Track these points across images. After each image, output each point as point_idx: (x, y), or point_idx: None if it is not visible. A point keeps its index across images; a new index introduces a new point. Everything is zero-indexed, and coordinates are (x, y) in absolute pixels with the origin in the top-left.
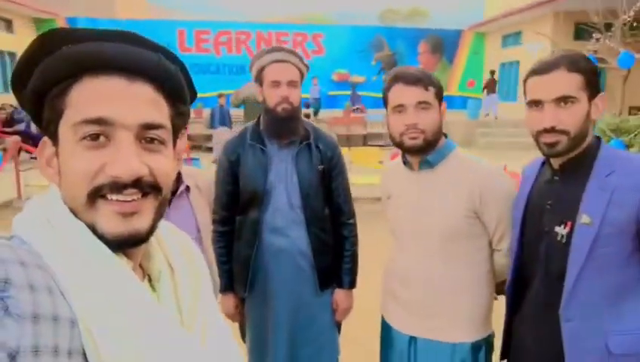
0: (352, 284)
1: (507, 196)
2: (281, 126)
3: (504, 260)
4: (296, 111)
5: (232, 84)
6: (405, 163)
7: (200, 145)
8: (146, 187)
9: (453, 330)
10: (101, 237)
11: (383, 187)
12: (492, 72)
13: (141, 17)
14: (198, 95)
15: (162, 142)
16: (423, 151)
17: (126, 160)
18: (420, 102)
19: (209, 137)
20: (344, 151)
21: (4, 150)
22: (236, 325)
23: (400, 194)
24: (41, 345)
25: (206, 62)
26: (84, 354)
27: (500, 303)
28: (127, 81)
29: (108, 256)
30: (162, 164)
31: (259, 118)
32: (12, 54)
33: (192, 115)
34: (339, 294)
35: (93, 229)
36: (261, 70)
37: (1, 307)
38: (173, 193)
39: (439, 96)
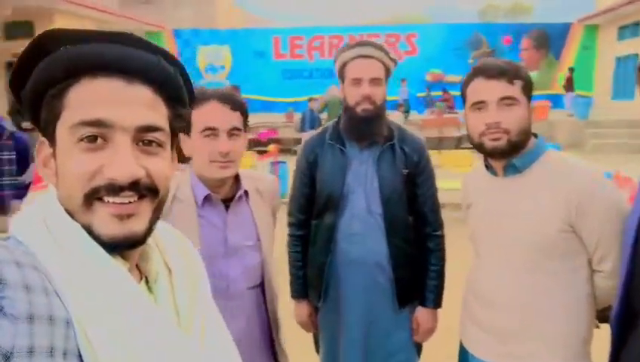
0: (437, 303)
1: (611, 208)
2: (361, 127)
3: (607, 283)
4: (378, 111)
5: (324, 88)
6: (488, 167)
7: (289, 148)
8: (143, 189)
9: (543, 361)
10: (97, 238)
11: (463, 194)
12: (571, 69)
13: (239, 27)
14: (291, 99)
15: (160, 145)
16: (508, 153)
17: (123, 162)
18: (503, 98)
19: (299, 141)
20: (433, 154)
21: None
22: (310, 335)
23: (482, 203)
24: (36, 345)
25: (299, 67)
26: (80, 355)
27: (603, 332)
28: (125, 83)
29: (104, 258)
30: (160, 167)
31: (340, 116)
32: None
33: (283, 118)
34: (421, 313)
35: (89, 231)
36: (343, 66)
37: None
38: (231, 198)
39: (527, 90)
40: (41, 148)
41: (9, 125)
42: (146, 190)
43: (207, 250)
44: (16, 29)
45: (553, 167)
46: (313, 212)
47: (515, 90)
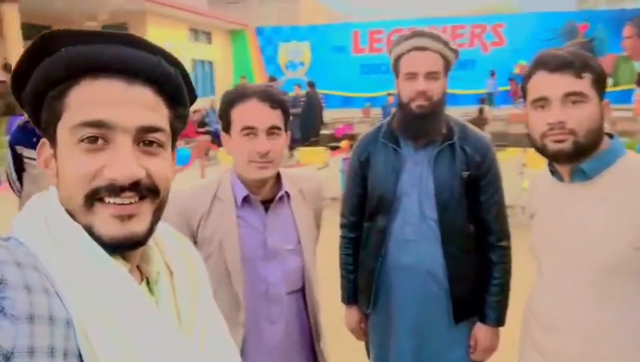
0: (498, 321)
1: None
2: (416, 124)
3: None
4: (435, 108)
5: None
6: (553, 173)
7: None
8: (144, 190)
9: None
10: (98, 239)
11: (528, 200)
12: None
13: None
14: (369, 95)
15: (161, 145)
16: (574, 157)
17: (124, 163)
18: (568, 94)
19: None
20: (516, 152)
21: (196, 148)
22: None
23: (546, 212)
24: (36, 345)
25: (378, 62)
26: (80, 356)
27: None
28: (126, 84)
29: (104, 258)
30: (160, 167)
31: (394, 113)
32: (210, 63)
33: (360, 114)
34: (480, 330)
35: (90, 231)
36: (397, 59)
37: None
38: (272, 199)
39: (599, 85)
40: (41, 149)
41: None
42: (147, 191)
43: (246, 251)
44: (112, 30)
45: (630, 174)
46: (365, 214)
47: (583, 84)
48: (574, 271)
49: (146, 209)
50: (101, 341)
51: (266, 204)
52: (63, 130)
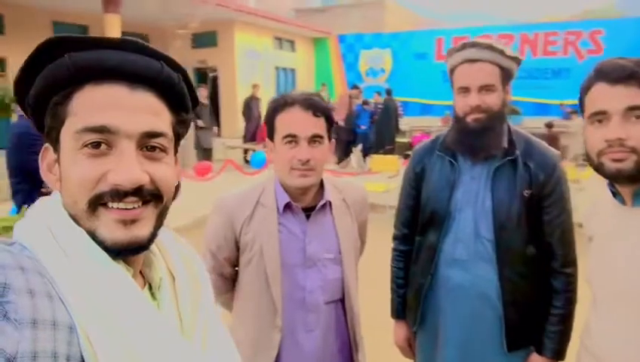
0: (557, 354)
1: None
2: (471, 139)
3: None
4: (493, 120)
5: None
6: (615, 194)
7: None
8: (147, 195)
9: None
10: (101, 243)
11: (587, 223)
12: None
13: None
14: (449, 102)
15: (164, 150)
16: (636, 178)
17: (127, 168)
18: (631, 108)
19: None
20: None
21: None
22: None
23: (605, 238)
24: (39, 350)
25: None
26: (83, 360)
27: None
28: (129, 89)
29: (107, 263)
30: (163, 172)
31: (451, 125)
32: (292, 70)
33: (439, 123)
34: (535, 361)
35: (94, 236)
36: (451, 72)
37: (0, 312)
38: (314, 207)
39: None
40: (45, 154)
41: None
42: (150, 196)
43: (286, 257)
44: (202, 38)
45: None
46: (417, 227)
47: None
48: (631, 307)
49: (149, 214)
50: (103, 346)
51: (308, 211)
52: (66, 135)
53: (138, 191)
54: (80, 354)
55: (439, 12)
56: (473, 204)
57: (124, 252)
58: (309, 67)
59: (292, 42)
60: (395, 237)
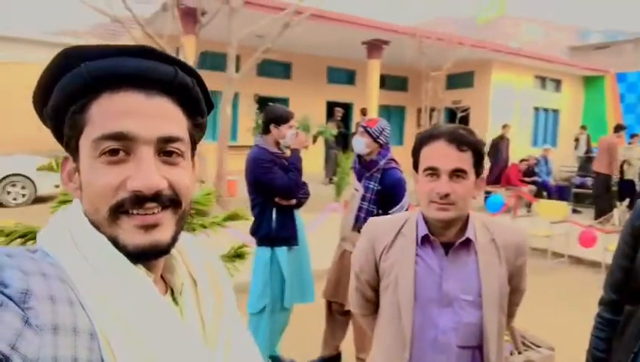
0: None
1: None
2: None
3: None
4: None
5: None
6: None
7: None
8: (166, 201)
9: None
10: (122, 248)
11: None
12: None
13: None
14: None
15: (181, 155)
16: None
17: (146, 174)
18: None
19: None
20: None
21: (518, 197)
22: None
23: None
24: (60, 356)
25: None
26: None
27: None
28: (145, 96)
29: (128, 269)
30: (181, 177)
31: None
32: (555, 111)
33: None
34: None
35: (115, 242)
36: None
37: (22, 318)
38: (452, 243)
39: None
40: (65, 164)
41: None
42: (169, 201)
43: (420, 291)
44: (457, 79)
45: None
46: (629, 294)
47: None
48: None
49: (169, 218)
50: (125, 352)
51: (450, 247)
52: (85, 143)
53: (157, 197)
54: (101, 360)
55: None
56: None
57: (146, 256)
58: (575, 108)
59: (558, 81)
60: (601, 302)
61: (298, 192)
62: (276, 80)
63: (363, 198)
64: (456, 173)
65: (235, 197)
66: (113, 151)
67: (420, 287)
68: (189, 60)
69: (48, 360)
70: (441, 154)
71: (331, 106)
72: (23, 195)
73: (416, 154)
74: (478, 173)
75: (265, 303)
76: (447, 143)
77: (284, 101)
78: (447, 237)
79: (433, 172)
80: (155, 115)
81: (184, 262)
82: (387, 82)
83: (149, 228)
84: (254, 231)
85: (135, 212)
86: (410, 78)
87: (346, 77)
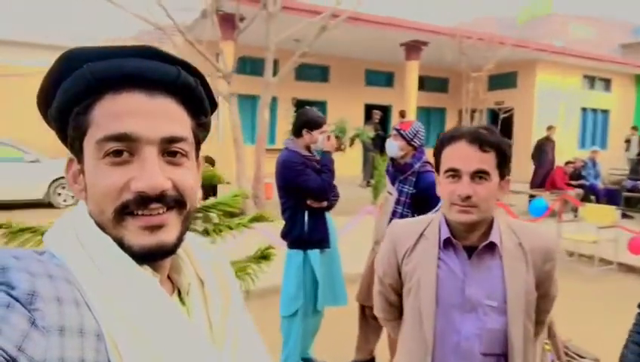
0: None
1: None
2: None
3: None
4: None
5: None
6: None
7: None
8: (170, 201)
9: None
10: (128, 250)
11: None
12: None
13: None
14: None
15: (185, 155)
16: None
17: (150, 175)
18: None
19: None
20: None
21: (564, 201)
22: None
23: None
24: (67, 357)
25: None
26: None
27: None
28: (147, 96)
29: (134, 270)
30: (186, 178)
31: None
32: (604, 111)
33: None
34: None
35: (120, 243)
36: None
37: (28, 319)
38: (473, 247)
39: None
40: (69, 166)
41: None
42: (173, 201)
43: (442, 295)
44: (500, 79)
45: None
46: None
47: None
48: None
49: (174, 219)
50: (131, 353)
51: (474, 251)
52: (88, 145)
53: (162, 198)
54: (108, 361)
55: None
56: None
57: (151, 257)
58: (626, 108)
59: (607, 81)
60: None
61: (331, 194)
62: (314, 83)
63: (397, 202)
64: (478, 175)
65: (271, 199)
66: (117, 153)
67: (442, 292)
68: (227, 66)
69: None
70: (463, 155)
71: (369, 109)
72: (72, 196)
73: (437, 155)
74: (502, 175)
75: (297, 306)
76: (469, 144)
77: (322, 104)
78: (470, 241)
79: (454, 173)
80: (158, 115)
81: (191, 263)
82: (427, 84)
83: (154, 228)
84: (285, 235)
85: (140, 213)
86: (450, 79)
87: (384, 79)
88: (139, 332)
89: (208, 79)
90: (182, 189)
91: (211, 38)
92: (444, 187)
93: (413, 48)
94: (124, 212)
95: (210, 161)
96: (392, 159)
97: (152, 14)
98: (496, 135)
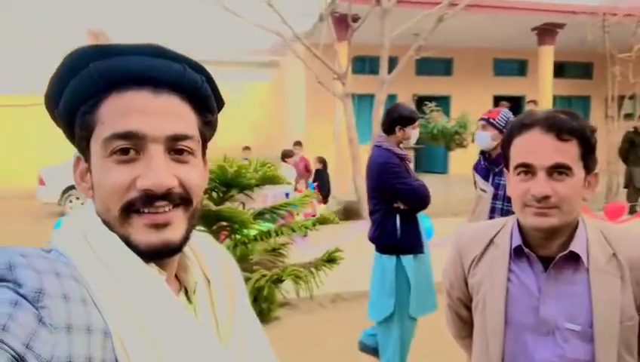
0: None
1: None
2: None
3: None
4: None
5: None
6: None
7: None
8: (177, 199)
9: None
10: (135, 248)
11: None
12: None
13: None
14: None
15: (191, 153)
16: None
17: (156, 173)
18: None
19: None
20: None
21: None
22: None
23: None
24: (74, 355)
25: None
26: None
27: None
28: (153, 94)
29: (141, 268)
30: (192, 175)
31: None
32: None
33: None
34: None
35: (127, 241)
36: None
37: (36, 317)
38: (552, 258)
39: None
40: (77, 164)
41: None
42: (179, 199)
43: (513, 314)
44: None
45: None
46: None
47: None
48: None
49: (180, 217)
50: (138, 351)
51: (551, 261)
52: (95, 143)
53: (168, 196)
54: (115, 359)
55: None
56: None
57: (158, 255)
58: None
59: None
60: None
61: (428, 199)
62: (436, 77)
63: (495, 197)
64: (557, 170)
65: None
66: (123, 151)
67: (512, 309)
68: (341, 67)
69: (62, 359)
70: (536, 147)
71: (498, 101)
72: None
73: (506, 148)
74: (588, 168)
75: (388, 312)
76: (544, 132)
77: (445, 99)
78: (549, 250)
79: (527, 169)
80: (163, 113)
81: (198, 262)
82: (566, 70)
83: (160, 226)
84: (375, 238)
85: (146, 211)
86: (595, 64)
87: (516, 68)
88: (145, 330)
89: (325, 81)
90: (188, 187)
91: (327, 41)
92: (514, 186)
93: (546, 32)
94: (130, 210)
95: (322, 161)
96: (482, 152)
97: (273, 23)
98: (578, 119)
